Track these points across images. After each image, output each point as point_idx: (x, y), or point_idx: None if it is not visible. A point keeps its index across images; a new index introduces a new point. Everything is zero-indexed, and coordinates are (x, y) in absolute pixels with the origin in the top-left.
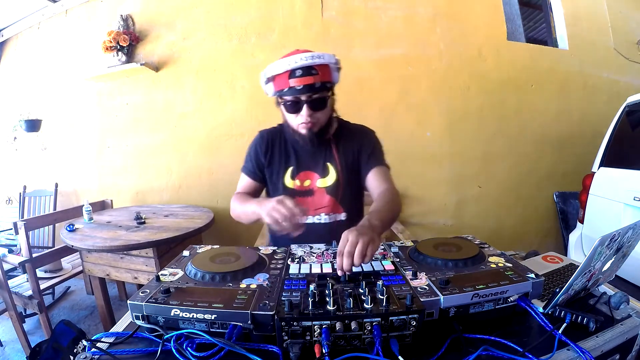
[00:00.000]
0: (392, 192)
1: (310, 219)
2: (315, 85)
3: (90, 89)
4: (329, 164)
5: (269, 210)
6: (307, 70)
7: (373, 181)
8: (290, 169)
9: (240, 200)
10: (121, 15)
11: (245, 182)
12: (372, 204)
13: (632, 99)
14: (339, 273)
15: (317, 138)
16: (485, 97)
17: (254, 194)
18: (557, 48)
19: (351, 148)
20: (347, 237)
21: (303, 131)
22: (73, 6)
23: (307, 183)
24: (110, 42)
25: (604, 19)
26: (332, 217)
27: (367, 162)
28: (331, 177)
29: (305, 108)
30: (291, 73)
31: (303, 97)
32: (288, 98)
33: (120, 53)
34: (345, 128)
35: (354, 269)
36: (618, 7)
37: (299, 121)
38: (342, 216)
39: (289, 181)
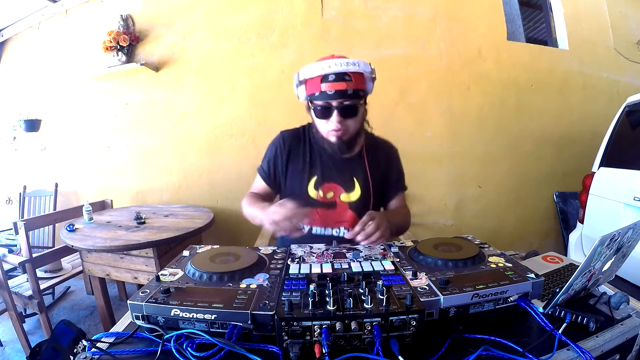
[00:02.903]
0: (406, 210)
1: (329, 231)
2: (347, 92)
3: (90, 89)
4: (355, 179)
5: (269, 214)
6: (341, 76)
7: (393, 205)
8: (314, 179)
9: (250, 201)
10: (121, 15)
11: (259, 183)
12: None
13: (632, 99)
14: (348, 236)
15: (346, 147)
16: (485, 97)
17: (267, 197)
18: (557, 48)
19: (378, 166)
20: (373, 215)
21: (332, 139)
22: (73, 6)
23: (330, 195)
24: (110, 42)
25: (604, 19)
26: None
27: (393, 187)
28: (356, 193)
29: (335, 114)
30: (324, 77)
31: (334, 103)
32: (319, 103)
33: (120, 53)
34: (373, 142)
35: (354, 268)
36: (618, 7)
37: (329, 128)
38: None
39: (312, 191)
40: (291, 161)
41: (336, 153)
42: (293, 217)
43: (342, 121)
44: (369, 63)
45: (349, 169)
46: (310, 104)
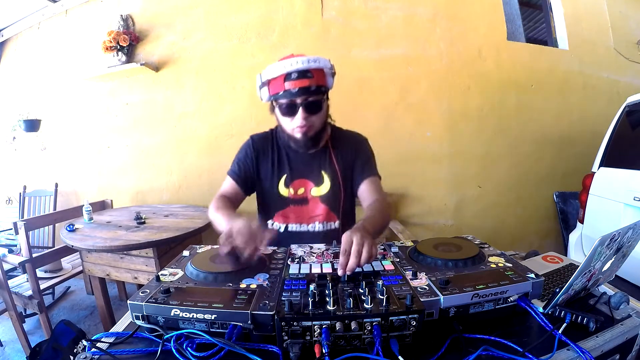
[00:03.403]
0: (383, 202)
1: (304, 227)
2: (310, 88)
3: (90, 89)
4: (323, 172)
5: (233, 229)
6: (303, 73)
7: (365, 191)
8: (284, 177)
9: (217, 205)
10: (121, 15)
11: (229, 185)
12: (364, 212)
13: (632, 99)
14: (340, 273)
15: (312, 143)
16: (485, 97)
17: (235, 199)
18: (557, 48)
19: (346, 157)
20: (352, 238)
21: (298, 135)
22: (73, 6)
23: (301, 191)
24: (110, 42)
25: (604, 19)
26: (326, 225)
27: (361, 172)
28: (325, 186)
29: (300, 111)
30: (287, 76)
31: (298, 100)
32: (283, 101)
33: (120, 53)
34: (339, 135)
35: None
36: (618, 7)
37: (294, 125)
38: (336, 224)
39: (283, 189)
40: (261, 162)
41: (303, 149)
42: (251, 240)
43: (307, 117)
44: (329, 59)
45: (317, 163)
46: (274, 104)
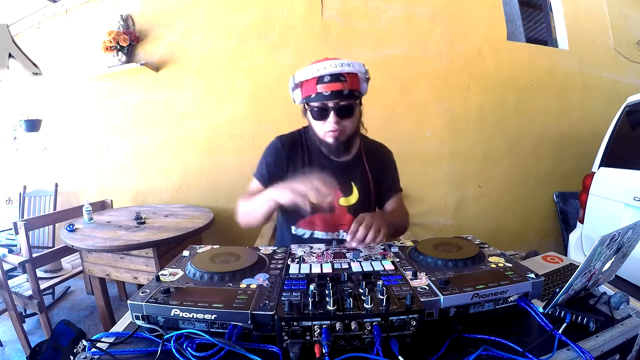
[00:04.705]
0: (404, 211)
1: (330, 235)
2: (343, 92)
3: (90, 89)
4: (353, 183)
5: (290, 186)
6: (336, 76)
7: (390, 206)
8: None
9: (249, 197)
10: (121, 15)
11: (254, 188)
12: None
13: (632, 99)
14: (348, 239)
15: (344, 148)
16: (485, 97)
17: None
18: (557, 48)
19: (375, 171)
20: (364, 216)
21: (330, 140)
22: (73, 6)
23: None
24: (110, 42)
25: (604, 19)
26: None
27: (389, 189)
28: (354, 197)
29: (332, 115)
30: (319, 79)
31: (330, 104)
32: (315, 104)
33: (120, 53)
34: (368, 146)
35: (354, 268)
36: (618, 7)
37: (326, 129)
38: None
39: None
40: (291, 166)
41: (334, 155)
42: (321, 190)
43: (339, 122)
44: (363, 64)
45: (347, 173)
46: (306, 107)
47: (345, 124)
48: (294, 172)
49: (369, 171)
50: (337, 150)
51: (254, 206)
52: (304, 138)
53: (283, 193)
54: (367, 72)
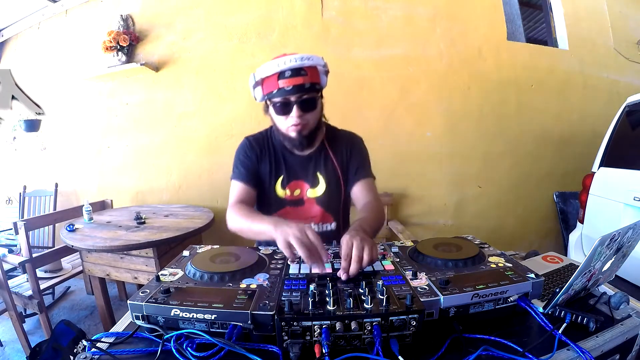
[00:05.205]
0: (376, 204)
1: None
2: (304, 86)
3: (90, 89)
4: (318, 173)
5: (286, 237)
6: (296, 71)
7: (359, 192)
8: (280, 178)
9: (244, 213)
10: (121, 15)
11: (238, 189)
12: (358, 214)
13: (632, 99)
14: (344, 277)
15: (307, 142)
16: (485, 97)
17: (250, 202)
18: (557, 48)
19: (340, 158)
20: (352, 242)
21: (293, 134)
22: (73, 6)
23: (297, 192)
24: (110, 42)
25: (604, 19)
26: (322, 226)
27: (355, 173)
28: (321, 188)
29: (295, 109)
30: (280, 74)
31: (293, 98)
32: (277, 99)
33: (120, 53)
34: (334, 135)
35: None
36: (618, 7)
37: (289, 123)
38: (332, 225)
39: (280, 190)
40: (260, 163)
41: (297, 149)
42: (314, 251)
43: (302, 115)
44: (322, 57)
45: (312, 165)
46: (268, 103)
47: (308, 117)
48: (262, 168)
49: (334, 160)
50: (301, 143)
51: (249, 230)
52: (270, 136)
53: (279, 239)
54: (326, 65)
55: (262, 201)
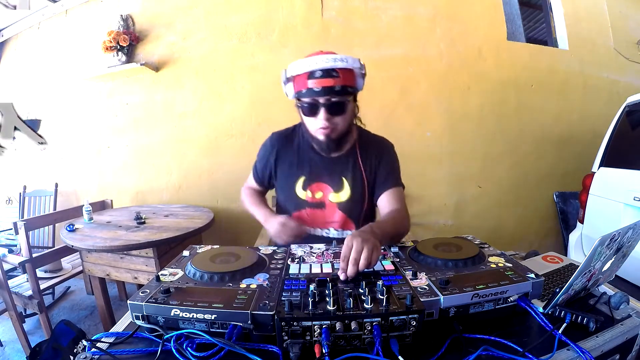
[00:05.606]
0: (401, 212)
1: (318, 232)
2: (334, 88)
3: (90, 89)
4: (344, 178)
5: (273, 232)
6: (328, 72)
7: (386, 201)
8: (302, 179)
9: (252, 199)
10: (121, 15)
11: (252, 181)
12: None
13: (632, 99)
14: (342, 277)
15: (335, 146)
16: (485, 97)
17: (262, 192)
18: (557, 48)
19: (369, 164)
20: (351, 243)
21: (321, 137)
22: (73, 6)
23: (318, 195)
24: (110, 42)
25: (604, 19)
26: (342, 232)
27: (383, 182)
28: (345, 193)
29: (322, 112)
30: (310, 74)
31: (321, 100)
32: (305, 100)
33: (120, 53)
34: (365, 139)
35: None
36: (618, 7)
37: (317, 125)
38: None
39: (300, 191)
40: (280, 162)
41: (324, 151)
42: (292, 236)
43: (330, 118)
44: (359, 59)
45: (338, 168)
46: (297, 101)
47: (337, 121)
48: (282, 167)
49: (362, 166)
50: (328, 147)
51: (251, 214)
52: (298, 133)
53: (269, 231)
54: (363, 67)
55: (282, 200)
